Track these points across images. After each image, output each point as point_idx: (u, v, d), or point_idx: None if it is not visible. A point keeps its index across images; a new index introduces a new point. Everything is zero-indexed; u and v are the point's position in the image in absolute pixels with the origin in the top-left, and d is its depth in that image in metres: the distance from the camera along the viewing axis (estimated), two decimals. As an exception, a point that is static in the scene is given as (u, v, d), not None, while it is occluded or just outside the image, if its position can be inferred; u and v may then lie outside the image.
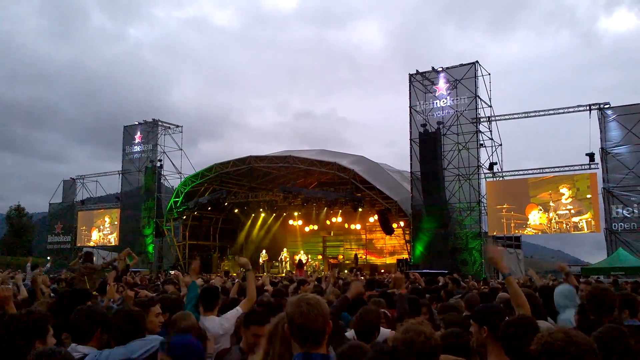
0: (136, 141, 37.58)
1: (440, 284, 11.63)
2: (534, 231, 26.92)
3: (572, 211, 25.65)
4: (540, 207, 26.22)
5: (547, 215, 26.09)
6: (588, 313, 4.41)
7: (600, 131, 25.06)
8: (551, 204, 26.05)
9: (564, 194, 25.84)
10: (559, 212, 25.89)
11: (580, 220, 25.50)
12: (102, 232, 40.35)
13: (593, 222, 25.18)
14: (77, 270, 9.52)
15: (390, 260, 33.73)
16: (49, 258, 28.09)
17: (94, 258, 10.17)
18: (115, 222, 38.98)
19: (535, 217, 26.39)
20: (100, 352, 3.52)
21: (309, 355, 2.54)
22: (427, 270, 23.19)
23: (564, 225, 25.94)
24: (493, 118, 27.43)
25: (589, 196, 25.28)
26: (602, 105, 25.20)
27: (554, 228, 26.20)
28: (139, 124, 37.76)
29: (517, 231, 27.44)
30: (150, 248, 35.69)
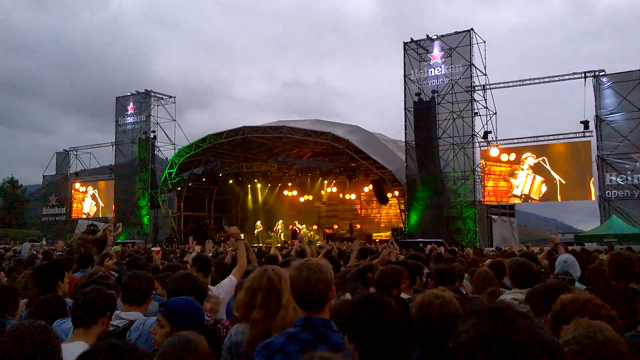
0: (129, 112, 37.21)
1: (429, 252, 11.63)
2: (520, 200, 27.25)
3: (562, 181, 25.87)
4: (530, 173, 26.50)
5: (536, 183, 26.37)
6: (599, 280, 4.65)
7: (595, 99, 25.02)
8: (529, 171, 26.49)
9: (544, 160, 26.25)
10: (537, 178, 26.27)
11: (558, 188, 25.96)
12: (97, 203, 40.41)
13: (576, 191, 25.65)
14: (74, 241, 9.66)
15: (385, 230, 33.91)
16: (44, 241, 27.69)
17: (94, 229, 10.27)
18: (110, 194, 38.94)
19: (523, 182, 26.68)
20: (144, 319, 3.55)
21: (310, 319, 2.58)
22: (421, 239, 23.35)
23: (540, 194, 26.36)
24: (488, 86, 27.29)
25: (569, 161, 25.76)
26: (597, 73, 25.12)
27: (540, 194, 26.50)
28: (132, 94, 37.39)
29: (506, 199, 27.67)
30: (145, 219, 35.71)
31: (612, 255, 4.60)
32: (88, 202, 40.98)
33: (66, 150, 42.00)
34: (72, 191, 41.53)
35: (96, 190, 40.64)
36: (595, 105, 25.00)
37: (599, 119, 24.86)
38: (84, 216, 40.09)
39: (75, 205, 41.53)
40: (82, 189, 41.32)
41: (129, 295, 3.76)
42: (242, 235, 5.91)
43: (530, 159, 26.59)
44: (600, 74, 25.14)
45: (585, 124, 25.05)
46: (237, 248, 5.48)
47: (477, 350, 1.15)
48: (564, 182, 25.91)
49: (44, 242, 24.85)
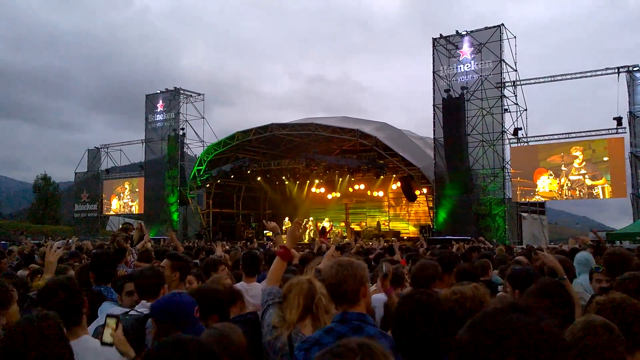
0: (158, 110, 37.62)
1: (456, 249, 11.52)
2: (544, 198, 26.82)
3: (586, 176, 25.31)
4: (551, 173, 26.03)
5: (557, 181, 25.87)
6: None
7: (629, 94, 24.47)
8: (563, 168, 25.83)
9: (577, 157, 25.50)
10: (571, 177, 25.63)
11: (595, 186, 25.20)
12: (124, 200, 40.98)
13: (610, 188, 24.84)
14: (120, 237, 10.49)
15: (414, 227, 33.76)
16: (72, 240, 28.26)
17: (128, 226, 10.79)
18: (137, 190, 39.51)
19: (545, 182, 26.19)
20: None
21: (345, 314, 2.74)
22: (450, 237, 23.19)
23: (577, 192, 25.73)
24: (518, 82, 26.90)
25: (605, 159, 24.94)
26: (630, 68, 24.55)
27: (565, 195, 26.00)
28: (161, 92, 37.77)
29: (525, 198, 27.19)
30: (175, 216, 36.12)
31: (608, 253, 4.57)
32: (120, 199, 41.61)
33: (97, 148, 42.61)
34: (103, 188, 42.23)
35: (127, 187, 41.24)
36: (629, 101, 24.46)
37: (632, 115, 24.31)
38: (113, 213, 40.85)
39: (106, 202, 42.19)
40: (113, 185, 41.97)
41: (141, 290, 4.05)
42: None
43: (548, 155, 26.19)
44: (634, 69, 24.58)
45: (619, 120, 24.52)
46: (276, 243, 5.62)
47: (475, 344, 1.16)
48: (584, 179, 25.42)
49: (71, 240, 25.28)
